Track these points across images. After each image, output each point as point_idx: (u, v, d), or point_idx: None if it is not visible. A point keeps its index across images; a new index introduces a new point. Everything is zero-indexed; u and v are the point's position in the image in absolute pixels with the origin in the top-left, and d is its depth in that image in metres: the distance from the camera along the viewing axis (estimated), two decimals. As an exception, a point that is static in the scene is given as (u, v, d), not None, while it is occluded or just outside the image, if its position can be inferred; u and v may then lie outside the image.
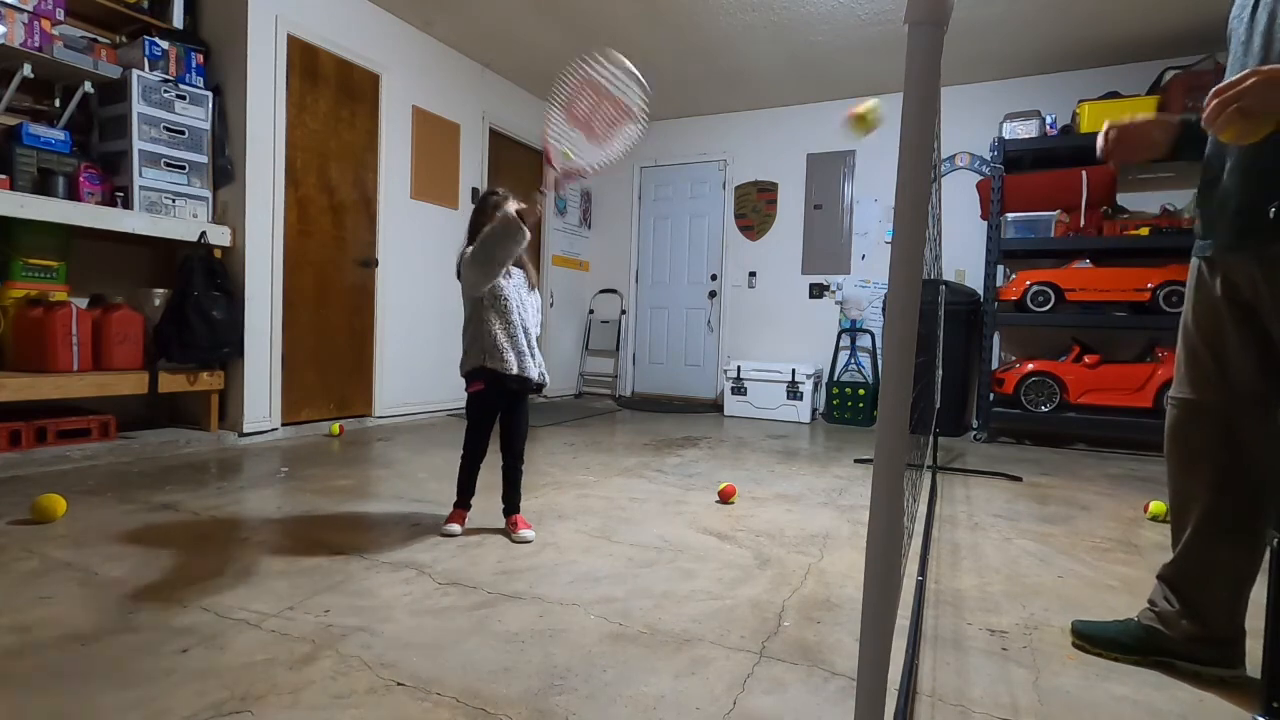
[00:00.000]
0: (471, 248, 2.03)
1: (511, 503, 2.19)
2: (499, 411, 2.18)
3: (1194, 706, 1.26)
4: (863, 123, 1.45)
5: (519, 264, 2.19)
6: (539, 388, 2.23)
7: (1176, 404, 1.40)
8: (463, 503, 2.21)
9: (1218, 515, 1.33)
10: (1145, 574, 1.96)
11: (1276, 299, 1.19)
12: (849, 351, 5.47)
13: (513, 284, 2.13)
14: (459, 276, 2.10)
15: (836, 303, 5.59)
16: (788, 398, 5.29)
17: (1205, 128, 1.10)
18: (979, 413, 4.69)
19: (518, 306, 2.12)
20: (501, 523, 2.20)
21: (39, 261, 3.00)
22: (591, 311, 6.60)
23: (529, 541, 2.09)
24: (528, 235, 1.96)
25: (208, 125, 3.41)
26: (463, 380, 2.16)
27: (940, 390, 3.62)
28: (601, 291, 6.59)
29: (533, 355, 2.14)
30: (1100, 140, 1.41)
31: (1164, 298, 4.03)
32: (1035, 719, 1.21)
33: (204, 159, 3.41)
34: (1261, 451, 1.30)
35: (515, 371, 2.08)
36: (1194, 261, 1.39)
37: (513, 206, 2.00)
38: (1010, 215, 4.45)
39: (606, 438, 4.17)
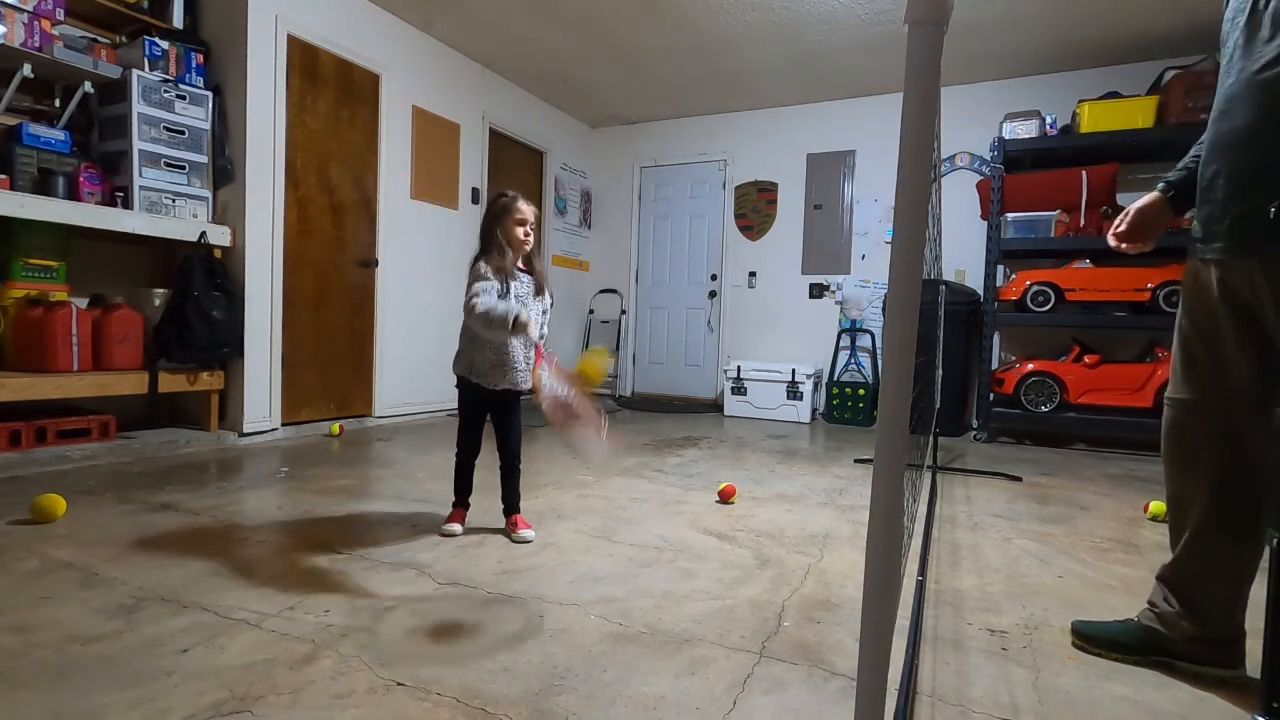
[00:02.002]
0: (473, 306, 1.94)
1: (511, 503, 2.19)
2: (489, 410, 2.19)
3: (1194, 707, 1.26)
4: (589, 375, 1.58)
5: (528, 268, 2.17)
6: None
7: (1174, 404, 1.40)
8: (461, 502, 2.22)
9: (1217, 515, 1.33)
10: (1145, 574, 1.96)
11: (1277, 303, 1.19)
12: (849, 351, 5.47)
13: (517, 292, 2.10)
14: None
15: (836, 303, 5.59)
16: (788, 398, 5.29)
17: None
18: (979, 413, 4.69)
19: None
20: (501, 523, 2.20)
21: (39, 261, 3.00)
22: (591, 311, 6.60)
23: (529, 541, 2.09)
24: (516, 338, 1.99)
25: (208, 125, 3.41)
26: (455, 377, 2.17)
27: (940, 390, 3.62)
28: (601, 291, 6.59)
29: (530, 362, 2.12)
30: (1113, 237, 1.51)
31: (1164, 298, 4.03)
32: (1035, 719, 1.21)
33: (204, 159, 3.41)
34: (1260, 451, 1.30)
35: (500, 388, 2.09)
36: (1191, 263, 1.39)
37: (530, 329, 1.94)
38: (1010, 215, 4.45)
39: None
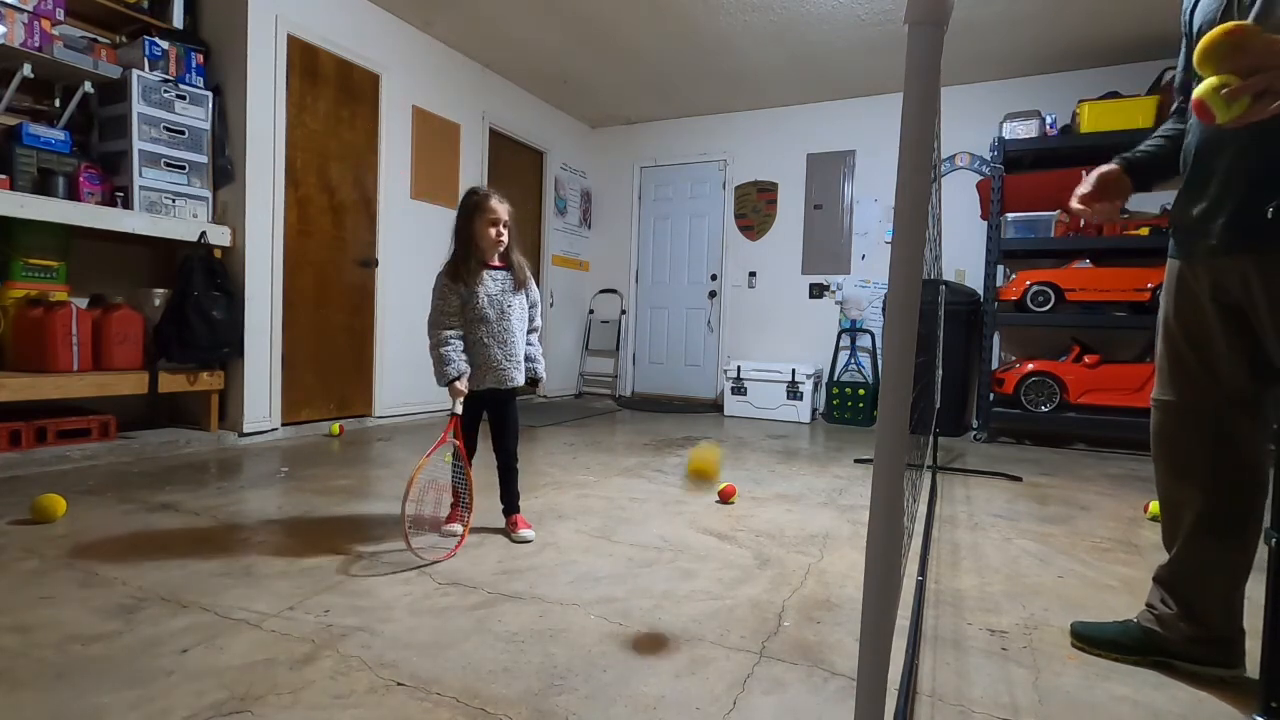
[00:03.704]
0: (436, 339, 2.07)
1: (510, 503, 2.19)
2: (483, 409, 2.19)
3: (1193, 707, 1.26)
4: (704, 473, 1.63)
5: (506, 264, 2.16)
6: (533, 383, 2.23)
7: (1161, 406, 1.40)
8: (460, 502, 2.21)
9: (1210, 516, 1.32)
10: (1145, 574, 1.96)
11: (1271, 301, 1.19)
12: (849, 351, 5.47)
13: (488, 290, 2.09)
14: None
15: (836, 303, 5.59)
16: (788, 398, 5.29)
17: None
18: (979, 413, 4.69)
19: (493, 316, 2.09)
20: (501, 523, 2.20)
21: (39, 261, 3.00)
22: (591, 311, 6.61)
23: (529, 541, 2.09)
24: (485, 339, 2.08)
25: (208, 125, 3.41)
26: None
27: (940, 390, 3.62)
28: (601, 291, 6.59)
29: (512, 360, 2.12)
30: (1076, 200, 1.47)
31: (1164, 298, 4.02)
32: (1035, 719, 1.21)
33: (204, 159, 3.41)
34: (1252, 451, 1.30)
35: (485, 387, 2.10)
36: (1172, 262, 1.38)
37: (457, 406, 2.05)
38: (1010, 215, 4.45)
39: (606, 438, 4.17)
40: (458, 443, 2.06)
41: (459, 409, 2.05)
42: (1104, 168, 1.46)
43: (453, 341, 2.07)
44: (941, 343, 3.68)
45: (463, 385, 2.05)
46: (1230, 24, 0.99)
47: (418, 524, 2.04)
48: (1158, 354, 1.41)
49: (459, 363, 2.05)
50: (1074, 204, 1.47)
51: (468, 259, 2.08)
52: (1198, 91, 1.04)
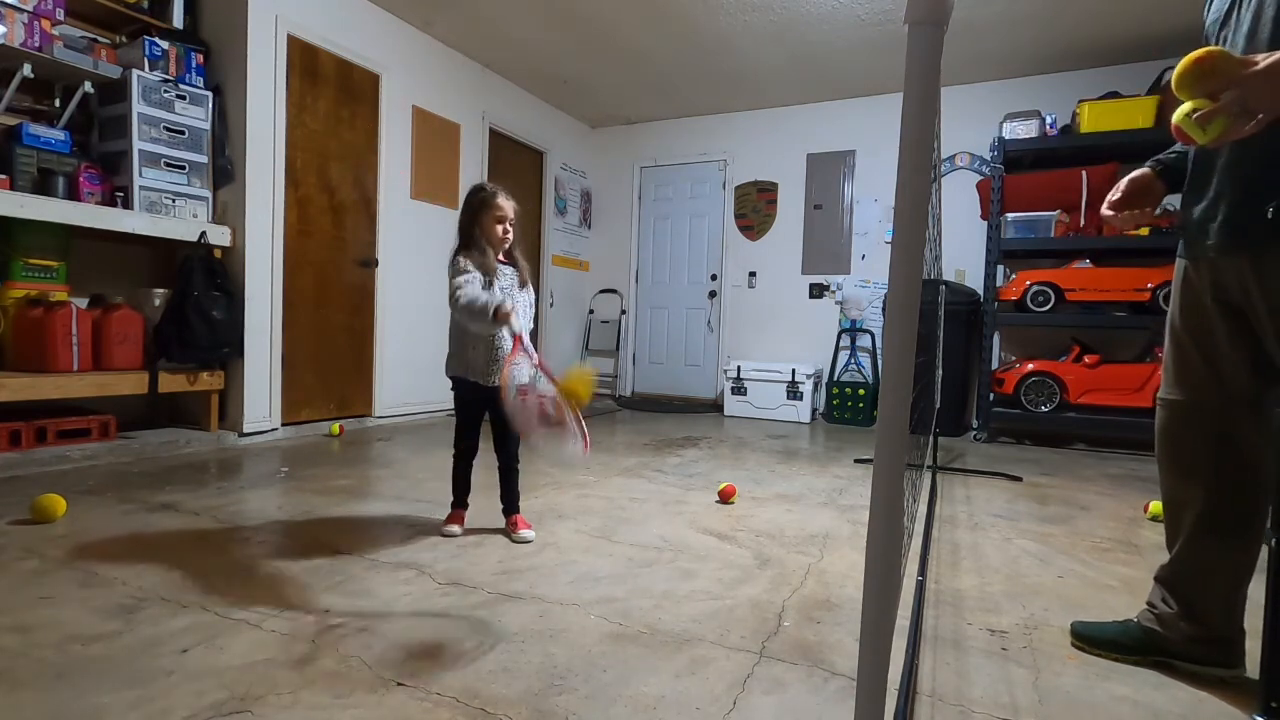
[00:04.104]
0: (457, 298, 1.94)
1: (510, 502, 2.18)
2: (484, 409, 2.18)
3: (1193, 707, 1.26)
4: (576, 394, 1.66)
5: (510, 261, 2.15)
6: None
7: (1166, 405, 1.40)
8: (460, 502, 2.21)
9: (1212, 516, 1.33)
10: (1145, 574, 1.96)
11: (1268, 301, 1.19)
12: (849, 351, 5.47)
13: (501, 286, 2.08)
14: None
15: (836, 303, 5.59)
16: (788, 398, 5.29)
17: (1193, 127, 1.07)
18: (979, 413, 4.69)
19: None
20: (501, 523, 2.20)
21: (39, 261, 3.00)
22: (591, 311, 6.61)
23: (529, 541, 2.09)
24: (499, 330, 1.93)
25: (208, 125, 3.41)
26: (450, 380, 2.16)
27: (940, 390, 3.62)
28: (601, 291, 6.59)
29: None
30: (1107, 206, 1.44)
31: (1164, 298, 4.03)
32: (1035, 719, 1.21)
33: (204, 159, 3.41)
34: (1255, 451, 1.30)
35: (492, 383, 2.07)
36: (1180, 262, 1.38)
37: (513, 320, 1.88)
38: (1010, 215, 4.45)
39: (606, 438, 4.17)
40: (534, 356, 1.90)
41: (518, 326, 1.89)
42: (1135, 172, 1.44)
43: (474, 283, 1.96)
44: (941, 343, 3.68)
45: (509, 307, 1.88)
46: (1201, 50, 1.02)
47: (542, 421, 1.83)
48: (1165, 353, 1.42)
49: (488, 294, 1.94)
50: (1104, 210, 1.45)
51: (484, 253, 2.05)
52: (1174, 118, 1.07)
